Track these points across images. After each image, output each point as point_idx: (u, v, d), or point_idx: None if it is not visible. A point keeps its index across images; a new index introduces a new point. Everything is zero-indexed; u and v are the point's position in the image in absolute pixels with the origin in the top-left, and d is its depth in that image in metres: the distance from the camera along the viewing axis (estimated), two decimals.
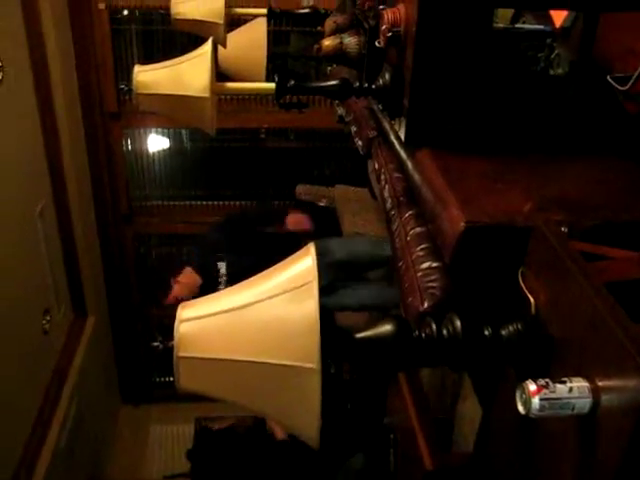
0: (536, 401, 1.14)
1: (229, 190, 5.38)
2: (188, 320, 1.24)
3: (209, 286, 3.44)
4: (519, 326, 1.36)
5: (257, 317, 1.19)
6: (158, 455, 5.36)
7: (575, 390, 1.17)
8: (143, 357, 5.60)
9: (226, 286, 3.52)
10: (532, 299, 1.39)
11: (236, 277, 3.28)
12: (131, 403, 5.72)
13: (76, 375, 4.55)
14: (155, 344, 1.40)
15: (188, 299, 3.35)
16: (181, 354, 1.21)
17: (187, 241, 5.32)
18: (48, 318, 4.28)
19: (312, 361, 1.11)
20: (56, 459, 4.02)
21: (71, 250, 4.68)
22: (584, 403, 1.17)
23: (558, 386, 1.16)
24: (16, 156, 3.71)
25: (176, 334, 1.23)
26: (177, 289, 3.57)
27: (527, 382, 1.16)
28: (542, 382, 1.16)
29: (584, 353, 1.23)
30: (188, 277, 3.58)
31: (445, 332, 1.32)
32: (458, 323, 1.32)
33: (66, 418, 4.30)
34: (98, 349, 5.13)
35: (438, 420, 3.82)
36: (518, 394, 1.18)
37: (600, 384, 1.18)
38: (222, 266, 3.63)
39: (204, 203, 5.35)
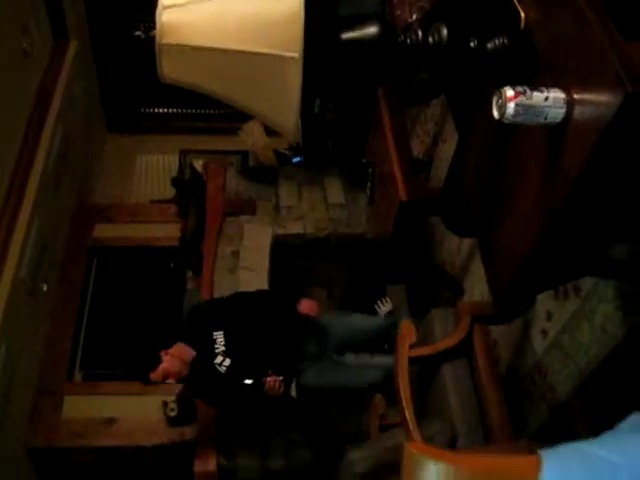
0: (511, 106, 1.16)
1: None
2: (171, 7, 1.20)
3: (204, 359, 3.07)
4: (505, 40, 1.35)
5: (242, 5, 1.16)
6: (144, 182, 5.50)
7: (551, 99, 1.19)
8: (129, 86, 5.52)
9: (224, 358, 3.09)
10: (522, 13, 1.36)
11: (236, 348, 3.11)
12: (117, 132, 5.75)
13: (60, 100, 4.51)
14: (137, 33, 1.36)
15: (179, 374, 3.06)
16: (164, 41, 1.20)
17: None
18: (28, 39, 4.14)
19: (294, 50, 1.11)
20: (44, 184, 4.12)
21: None
22: (557, 113, 1.20)
23: (535, 94, 1.18)
24: None
25: (158, 21, 1.20)
26: (167, 361, 3.00)
27: (505, 88, 1.18)
28: (520, 89, 1.18)
29: (566, 66, 1.24)
30: (180, 350, 3.04)
31: (431, 39, 1.31)
32: (444, 32, 1.31)
33: (52, 143, 4.33)
34: (82, 75, 5.03)
35: (417, 160, 3.94)
36: (495, 100, 1.21)
37: (576, 97, 1.20)
38: (218, 335, 3.14)
39: None
